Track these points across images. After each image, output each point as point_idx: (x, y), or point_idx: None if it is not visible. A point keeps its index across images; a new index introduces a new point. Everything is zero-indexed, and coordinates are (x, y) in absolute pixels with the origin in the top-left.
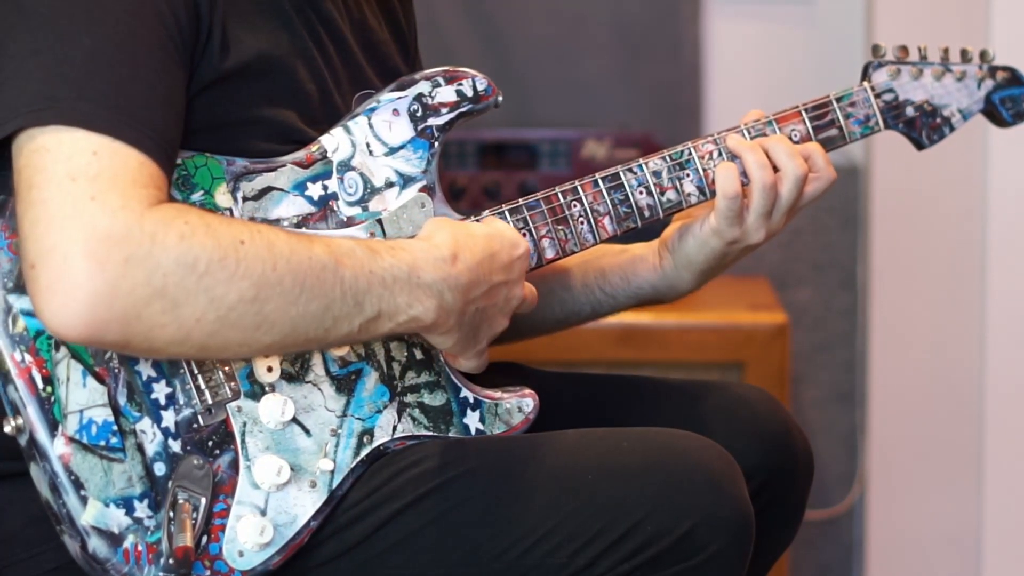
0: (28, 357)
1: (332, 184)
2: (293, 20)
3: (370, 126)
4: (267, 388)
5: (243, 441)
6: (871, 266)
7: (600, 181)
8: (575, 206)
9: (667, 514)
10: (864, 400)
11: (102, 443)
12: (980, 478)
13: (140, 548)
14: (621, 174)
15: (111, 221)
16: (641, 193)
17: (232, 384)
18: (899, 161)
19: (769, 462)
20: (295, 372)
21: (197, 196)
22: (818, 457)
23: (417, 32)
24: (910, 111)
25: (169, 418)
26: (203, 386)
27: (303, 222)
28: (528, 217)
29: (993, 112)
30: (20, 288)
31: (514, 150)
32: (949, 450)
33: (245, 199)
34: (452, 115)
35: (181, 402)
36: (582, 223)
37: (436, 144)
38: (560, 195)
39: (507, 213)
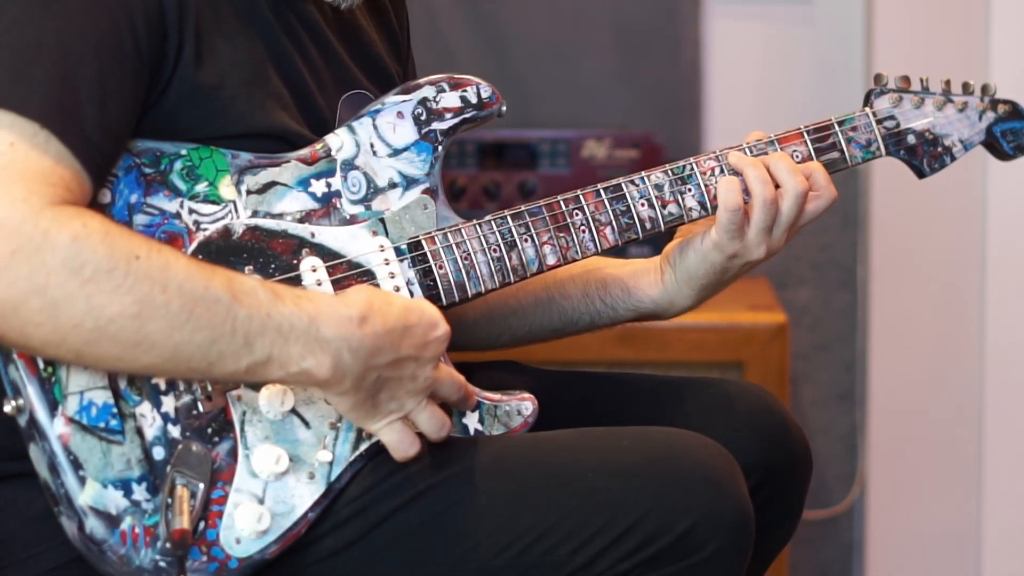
0: None
1: (336, 182)
2: (271, 24)
3: (374, 127)
4: None
5: (242, 430)
6: (871, 266)
7: (602, 191)
8: (577, 214)
9: (667, 512)
10: (864, 400)
11: (101, 425)
12: (980, 478)
13: (137, 530)
14: (623, 186)
15: (7, 212)
16: (643, 205)
17: None
18: (899, 161)
19: (767, 459)
20: None
21: (201, 187)
22: (818, 457)
23: (410, 32)
24: (911, 139)
25: (169, 403)
26: None
27: (306, 218)
28: (530, 223)
29: (994, 144)
30: None
31: (514, 150)
32: (949, 450)
33: (249, 192)
34: (456, 120)
35: (181, 388)
36: (584, 231)
37: (439, 148)
38: (562, 203)
39: (509, 218)
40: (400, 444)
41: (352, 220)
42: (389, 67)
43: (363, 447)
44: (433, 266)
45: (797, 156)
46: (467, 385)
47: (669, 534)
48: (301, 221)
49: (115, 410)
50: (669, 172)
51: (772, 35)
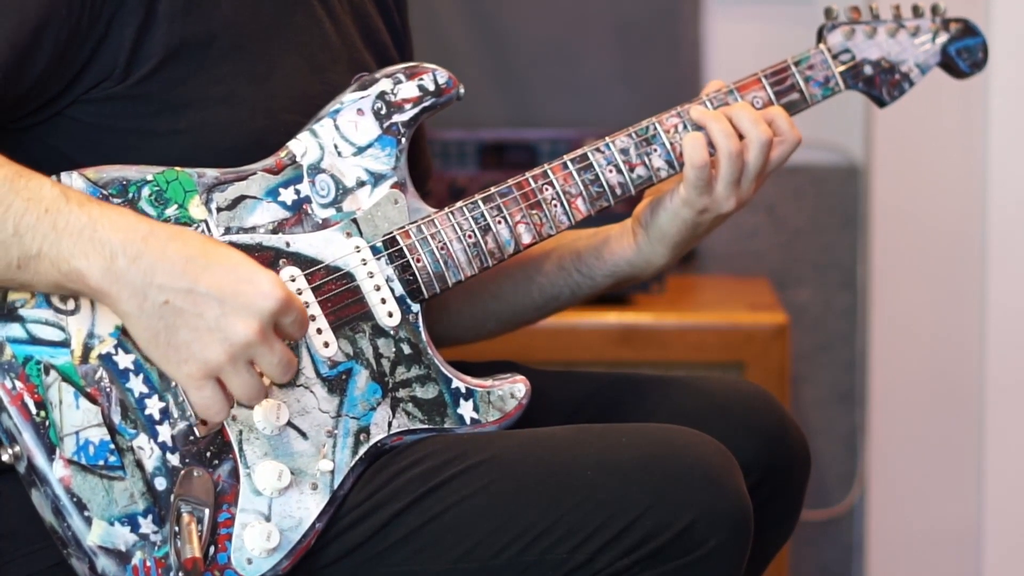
0: (19, 384)
1: (304, 188)
2: None
3: (336, 127)
4: None
5: (241, 449)
6: (871, 266)
7: (569, 163)
8: (547, 189)
9: (666, 509)
10: (864, 400)
11: (101, 462)
12: (980, 478)
13: (149, 564)
14: (589, 154)
15: None
16: (611, 172)
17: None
18: (899, 161)
19: (765, 456)
20: None
21: (171, 211)
22: (818, 457)
23: (411, 36)
24: (868, 69)
25: (165, 432)
26: None
27: (279, 228)
28: (501, 204)
29: (950, 64)
30: (3, 316)
31: (514, 150)
32: (949, 450)
33: (219, 209)
34: (416, 110)
35: (175, 415)
36: (556, 206)
37: (403, 140)
38: (531, 180)
39: (480, 202)
40: (205, 408)
41: (325, 224)
42: (395, 59)
43: (362, 451)
44: (411, 260)
45: (758, 102)
46: (294, 367)
47: (668, 531)
48: (274, 232)
49: (112, 446)
50: (633, 135)
51: (772, 35)
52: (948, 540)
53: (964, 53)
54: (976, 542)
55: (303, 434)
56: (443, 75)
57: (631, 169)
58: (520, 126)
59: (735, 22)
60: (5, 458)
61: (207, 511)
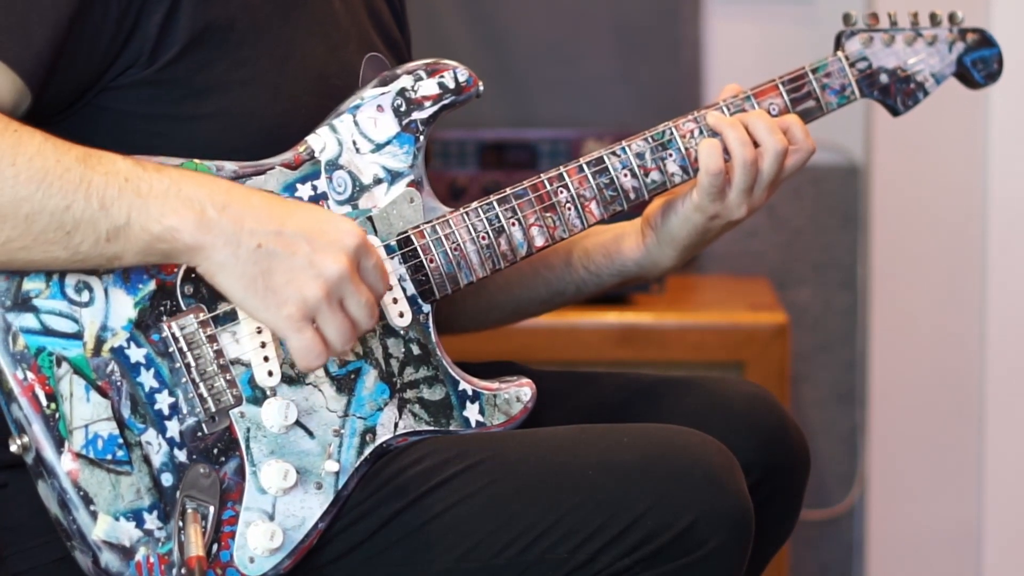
0: (30, 375)
1: (321, 184)
2: None
3: (355, 123)
4: (268, 392)
5: (248, 447)
6: (871, 266)
7: (585, 166)
8: (561, 192)
9: (667, 509)
10: (864, 400)
11: (108, 457)
12: (980, 478)
13: (152, 560)
14: (605, 158)
15: None
16: (626, 176)
17: (234, 390)
18: (899, 161)
19: (765, 456)
20: (295, 375)
21: None
22: (818, 457)
23: (409, 27)
24: (884, 78)
25: (173, 428)
26: (205, 394)
27: None
28: (516, 206)
29: (965, 75)
30: (18, 306)
31: (514, 150)
32: (949, 450)
33: None
34: (435, 108)
35: (184, 411)
36: (569, 209)
37: (421, 138)
38: (546, 182)
39: (495, 203)
40: (307, 351)
41: None
42: (399, 42)
43: (367, 451)
44: (424, 260)
45: (774, 109)
46: (377, 312)
47: (669, 531)
48: None
49: (121, 440)
50: (649, 139)
51: (772, 35)
52: (948, 540)
53: (979, 64)
54: (976, 542)
55: (310, 433)
56: (463, 73)
57: (646, 174)
58: (520, 126)
59: (735, 22)
60: (14, 448)
61: (212, 508)
